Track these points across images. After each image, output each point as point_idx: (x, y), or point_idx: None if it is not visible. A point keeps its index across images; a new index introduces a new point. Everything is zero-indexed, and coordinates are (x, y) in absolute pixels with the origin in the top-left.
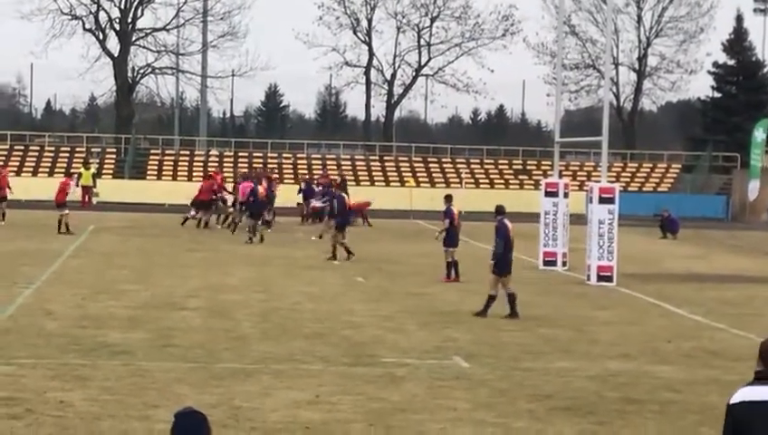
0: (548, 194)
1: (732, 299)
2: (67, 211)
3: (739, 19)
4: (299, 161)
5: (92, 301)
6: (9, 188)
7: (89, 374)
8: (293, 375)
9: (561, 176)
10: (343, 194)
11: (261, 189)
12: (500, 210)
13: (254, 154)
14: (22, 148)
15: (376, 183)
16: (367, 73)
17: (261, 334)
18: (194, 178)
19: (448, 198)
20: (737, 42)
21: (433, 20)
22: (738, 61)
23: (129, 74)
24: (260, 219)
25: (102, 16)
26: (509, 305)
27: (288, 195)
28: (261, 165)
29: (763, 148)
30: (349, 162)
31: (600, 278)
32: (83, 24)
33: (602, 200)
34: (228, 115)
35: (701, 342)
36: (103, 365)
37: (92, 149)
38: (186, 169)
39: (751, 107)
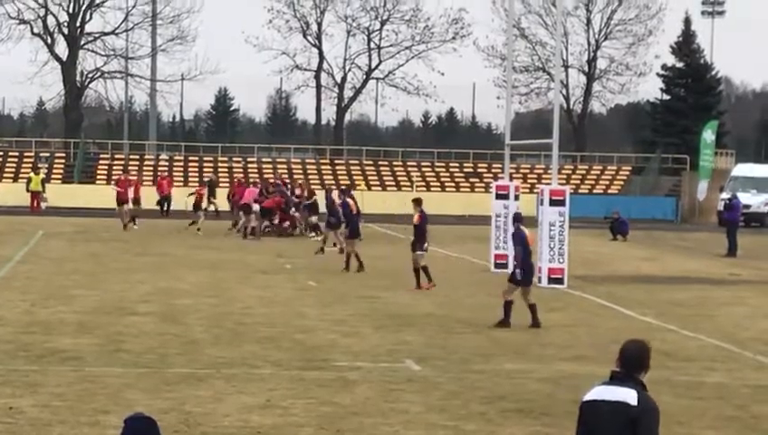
0: (499, 196)
1: (682, 300)
2: None
3: (687, 22)
4: (249, 165)
5: (42, 307)
6: None
7: (39, 380)
8: (245, 380)
9: (511, 178)
10: (349, 200)
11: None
12: (517, 217)
13: (204, 158)
14: None
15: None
16: (317, 77)
17: (213, 339)
18: (143, 183)
19: (418, 202)
20: (686, 44)
21: (383, 23)
22: (687, 63)
23: (78, 78)
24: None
25: (51, 20)
26: (531, 316)
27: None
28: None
29: (713, 149)
30: (299, 166)
31: (551, 281)
32: (31, 28)
33: (553, 202)
34: (178, 119)
35: (652, 343)
36: (53, 371)
37: (41, 154)
38: (135, 173)
39: (700, 109)
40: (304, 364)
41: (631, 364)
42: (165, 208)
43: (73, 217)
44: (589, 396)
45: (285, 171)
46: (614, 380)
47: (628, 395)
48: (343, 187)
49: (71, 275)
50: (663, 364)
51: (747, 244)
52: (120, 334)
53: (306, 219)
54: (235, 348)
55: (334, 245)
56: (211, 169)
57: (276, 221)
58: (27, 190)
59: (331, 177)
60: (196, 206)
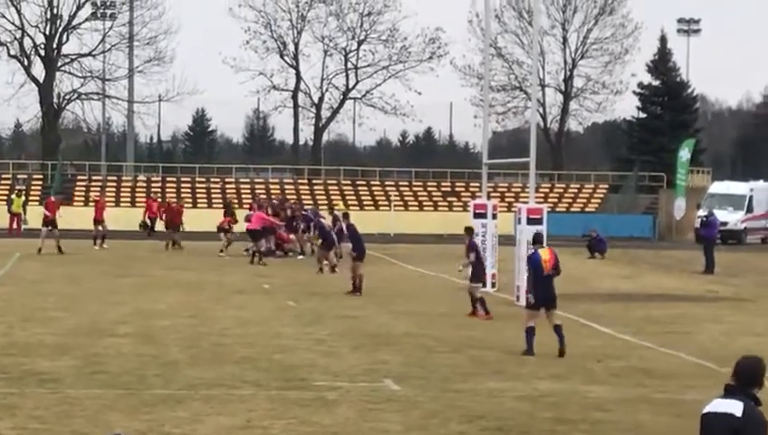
0: (476, 215)
1: (660, 318)
2: None
3: (663, 40)
4: (227, 186)
5: (20, 329)
6: None
7: (17, 403)
8: (224, 400)
9: (489, 197)
10: (351, 223)
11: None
12: (536, 239)
13: (182, 179)
14: None
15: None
16: (294, 97)
17: (191, 360)
18: (121, 204)
19: (469, 231)
20: (662, 62)
21: (360, 43)
22: (663, 81)
23: (55, 100)
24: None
25: (27, 42)
26: (558, 337)
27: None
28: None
29: (689, 167)
30: (277, 186)
31: None
32: (8, 50)
33: (530, 221)
34: (155, 140)
35: (630, 361)
36: (31, 393)
37: (18, 176)
38: (113, 194)
39: (676, 127)
40: (283, 384)
41: (744, 378)
42: (151, 229)
43: (51, 238)
44: (705, 409)
45: (263, 191)
46: (727, 393)
47: (735, 407)
48: (339, 211)
49: (49, 296)
50: (641, 382)
51: (724, 261)
52: (99, 356)
53: (302, 240)
54: (214, 369)
55: (321, 270)
56: (189, 190)
57: (273, 245)
58: (9, 212)
59: (309, 197)
60: (221, 229)
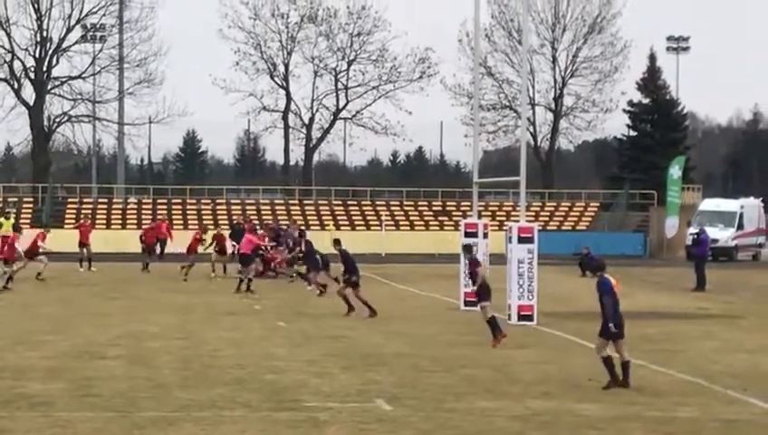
0: (467, 234)
1: (651, 335)
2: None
3: (652, 58)
4: (218, 207)
5: (10, 352)
6: None
7: (8, 426)
8: (216, 422)
9: (480, 216)
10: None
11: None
12: (599, 266)
13: (173, 201)
14: None
15: None
16: (285, 118)
17: (182, 382)
18: (112, 226)
19: (468, 249)
20: (651, 80)
21: (350, 63)
22: (653, 99)
23: (46, 123)
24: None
25: (17, 65)
26: (622, 373)
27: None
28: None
29: (679, 185)
30: (268, 207)
31: (520, 317)
32: None
33: (521, 240)
34: (146, 162)
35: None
36: (22, 417)
37: (9, 199)
38: (104, 217)
39: (666, 145)
40: (275, 405)
41: None
42: (160, 251)
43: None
44: None
45: (254, 213)
46: None
47: None
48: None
49: (39, 319)
50: (633, 400)
51: (715, 278)
52: (90, 379)
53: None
54: (205, 390)
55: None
56: (180, 211)
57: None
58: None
59: (300, 217)
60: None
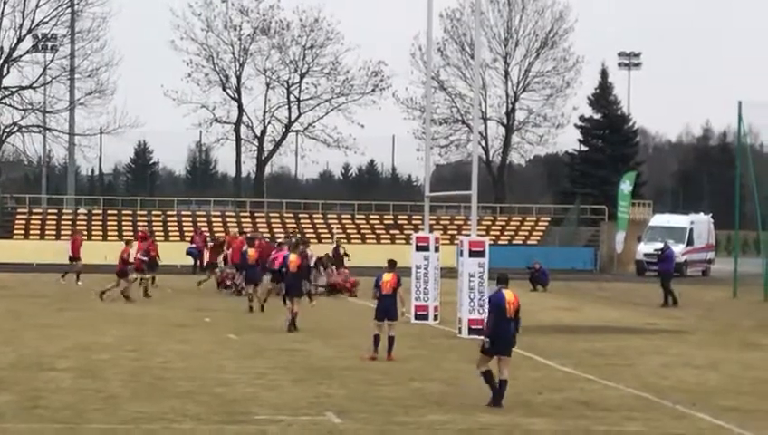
0: (419, 248)
1: (601, 350)
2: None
3: (604, 74)
4: (169, 218)
5: None
6: None
7: None
8: None
9: (431, 230)
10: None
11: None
12: (501, 279)
13: (124, 212)
14: None
15: None
16: (237, 130)
17: (131, 394)
18: (62, 237)
19: (392, 264)
20: (603, 96)
21: (302, 76)
22: (604, 114)
23: None
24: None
25: None
26: (498, 392)
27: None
28: (145, 224)
29: (630, 200)
30: (219, 219)
31: (471, 331)
32: None
33: (473, 254)
34: (97, 173)
35: (572, 393)
36: None
37: None
38: (54, 227)
39: (617, 160)
40: (224, 418)
41: None
42: (202, 264)
43: None
44: None
45: (205, 224)
46: None
47: None
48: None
49: None
50: (582, 414)
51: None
52: (38, 390)
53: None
54: (155, 403)
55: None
56: (130, 223)
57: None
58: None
59: (251, 230)
60: (210, 264)
